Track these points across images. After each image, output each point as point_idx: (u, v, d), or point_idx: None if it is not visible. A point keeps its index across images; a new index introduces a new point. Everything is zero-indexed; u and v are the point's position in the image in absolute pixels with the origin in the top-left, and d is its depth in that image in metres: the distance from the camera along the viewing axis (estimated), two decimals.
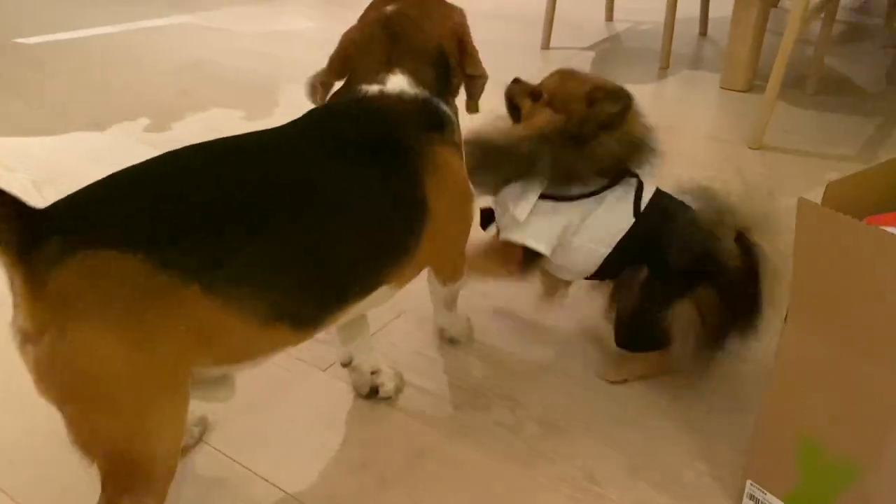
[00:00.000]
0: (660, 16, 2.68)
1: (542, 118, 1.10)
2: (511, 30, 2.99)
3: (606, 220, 1.09)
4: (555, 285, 1.25)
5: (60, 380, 0.70)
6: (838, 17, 2.95)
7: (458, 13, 1.04)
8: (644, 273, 1.08)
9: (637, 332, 1.10)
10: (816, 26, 2.49)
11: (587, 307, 1.32)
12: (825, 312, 0.77)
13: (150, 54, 2.66)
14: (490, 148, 1.08)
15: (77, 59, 2.60)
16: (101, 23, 2.98)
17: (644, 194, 1.10)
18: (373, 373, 1.09)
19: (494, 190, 1.12)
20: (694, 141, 2.08)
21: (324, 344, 1.19)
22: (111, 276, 0.68)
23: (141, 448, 0.73)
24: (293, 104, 2.20)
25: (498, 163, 1.08)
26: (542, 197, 1.08)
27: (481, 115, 1.10)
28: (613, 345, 1.14)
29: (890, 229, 0.82)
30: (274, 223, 0.77)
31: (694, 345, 1.04)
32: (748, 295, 1.03)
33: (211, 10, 3.22)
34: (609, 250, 1.09)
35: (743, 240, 1.03)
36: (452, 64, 1.01)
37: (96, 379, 0.70)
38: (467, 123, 1.07)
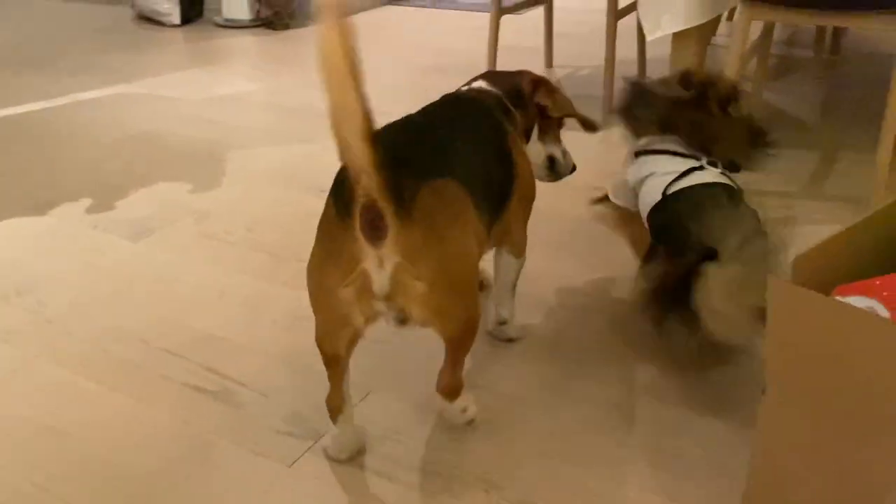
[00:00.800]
0: (598, 60, 2.72)
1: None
2: (453, 82, 3.00)
3: (652, 187, 1.28)
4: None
5: (450, 279, 0.97)
6: (771, 50, 3.04)
7: (539, 77, 1.38)
8: None
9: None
10: (752, 61, 2.56)
11: (553, 378, 1.30)
12: (803, 387, 0.76)
13: (90, 128, 2.59)
14: (643, 90, 1.38)
15: (12, 136, 2.52)
16: (37, 97, 2.91)
17: (685, 180, 1.24)
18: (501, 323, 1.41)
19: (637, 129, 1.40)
20: None
21: (289, 437, 1.15)
22: (451, 194, 1.00)
23: (477, 316, 1.07)
24: (242, 172, 2.16)
25: (642, 103, 1.37)
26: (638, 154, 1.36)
27: None
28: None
29: (858, 298, 0.82)
30: (489, 173, 1.14)
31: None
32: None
33: (151, 78, 3.17)
34: (646, 214, 1.29)
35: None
36: (526, 98, 1.34)
37: (472, 268, 1.04)
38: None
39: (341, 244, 0.92)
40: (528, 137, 1.38)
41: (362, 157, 0.82)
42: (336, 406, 1.07)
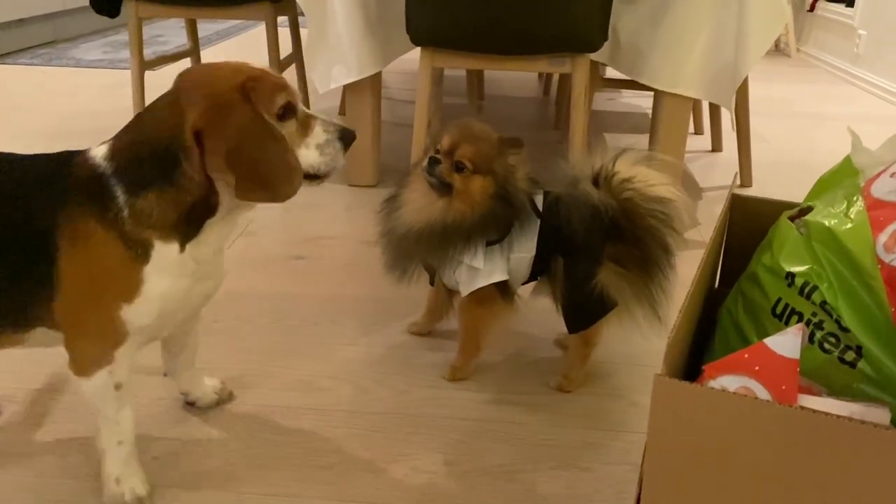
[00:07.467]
0: None
1: (476, 189, 1.24)
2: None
3: (524, 232, 1.29)
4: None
5: None
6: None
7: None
8: (559, 261, 1.28)
9: (579, 311, 1.27)
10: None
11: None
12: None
13: None
14: (443, 229, 1.24)
15: None
16: None
17: (536, 200, 1.30)
18: (183, 392, 1.26)
19: (451, 259, 1.28)
20: (348, 248, 1.90)
21: None
22: None
23: None
24: None
25: (452, 238, 1.25)
26: (487, 244, 1.28)
27: None
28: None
29: (729, 378, 0.69)
30: None
31: (631, 292, 1.23)
32: (638, 222, 1.20)
33: None
34: (533, 253, 1.29)
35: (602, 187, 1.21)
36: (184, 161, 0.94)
37: None
38: None
39: None
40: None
41: None
42: None
